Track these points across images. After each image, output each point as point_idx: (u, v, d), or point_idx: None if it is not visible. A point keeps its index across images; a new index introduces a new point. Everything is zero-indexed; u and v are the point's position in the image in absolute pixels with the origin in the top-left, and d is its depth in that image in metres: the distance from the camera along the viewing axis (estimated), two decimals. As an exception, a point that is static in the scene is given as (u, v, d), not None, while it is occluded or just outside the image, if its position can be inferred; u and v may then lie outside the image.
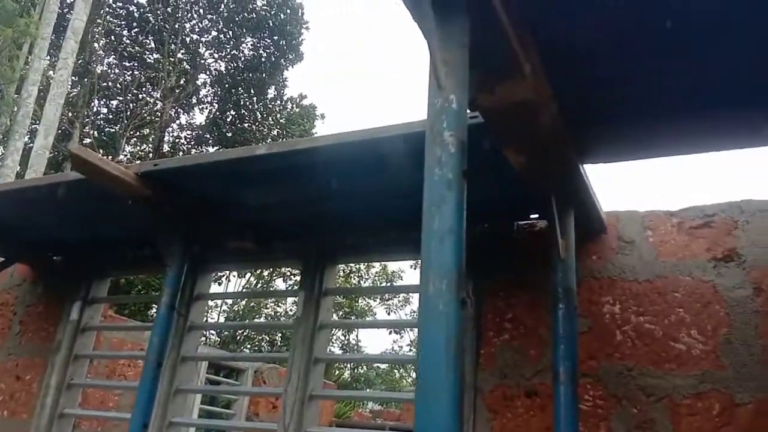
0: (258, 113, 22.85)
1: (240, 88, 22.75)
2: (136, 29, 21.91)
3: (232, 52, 23.01)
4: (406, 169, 2.98)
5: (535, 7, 1.94)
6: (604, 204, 3.23)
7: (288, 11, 22.11)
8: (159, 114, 22.08)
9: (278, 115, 23.09)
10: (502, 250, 3.46)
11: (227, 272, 20.01)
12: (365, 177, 3.17)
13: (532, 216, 3.42)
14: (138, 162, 4.97)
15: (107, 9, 21.41)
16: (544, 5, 1.96)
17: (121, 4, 21.70)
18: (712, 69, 2.21)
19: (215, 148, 22.00)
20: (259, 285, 22.45)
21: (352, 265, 22.90)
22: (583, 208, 2.95)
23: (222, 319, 22.99)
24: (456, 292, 1.43)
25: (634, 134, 2.56)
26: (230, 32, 22.63)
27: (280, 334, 22.80)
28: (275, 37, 22.31)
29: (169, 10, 21.86)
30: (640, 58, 2.19)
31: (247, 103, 22.76)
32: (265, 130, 22.72)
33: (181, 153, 21.88)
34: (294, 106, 23.45)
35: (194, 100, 23.22)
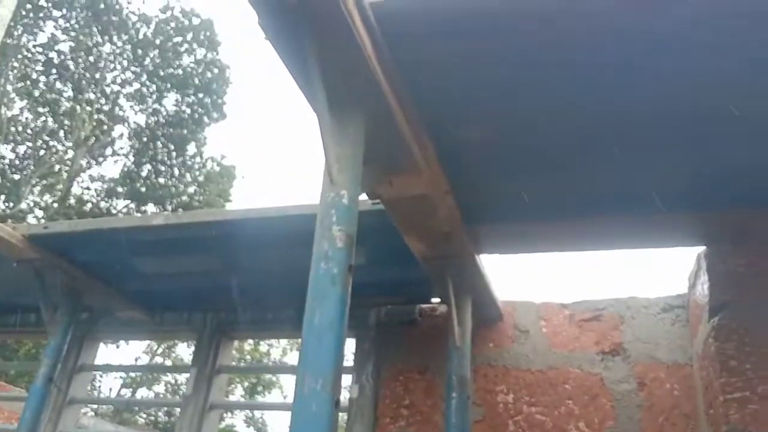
0: (176, 169, 22.33)
1: (159, 143, 22.25)
2: (55, 76, 21.21)
3: (153, 106, 22.60)
4: (308, 247, 2.96)
5: (431, 108, 2.01)
6: (504, 293, 3.31)
7: (216, 70, 22.12)
8: (69, 163, 21.17)
9: (197, 173, 22.66)
10: (404, 333, 3.45)
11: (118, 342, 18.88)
12: (266, 253, 3.11)
13: (434, 300, 3.45)
14: (31, 222, 4.68)
15: (25, 53, 20.69)
16: (440, 107, 2.03)
17: (41, 50, 21.04)
18: (598, 178, 2.36)
19: (127, 202, 21.20)
20: (160, 350, 21.28)
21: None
22: (481, 296, 3.00)
23: (118, 385, 21.53)
24: (331, 392, 1.39)
25: (527, 231, 2.66)
26: (154, 86, 22.30)
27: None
28: (200, 95, 22.16)
29: (91, 59, 21.37)
30: (533, 168, 2.31)
31: (165, 158, 22.24)
32: (182, 187, 22.18)
33: (89, 205, 20.92)
34: (214, 164, 23.12)
35: (109, 152, 22.47)
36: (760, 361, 2.37)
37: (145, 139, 22.09)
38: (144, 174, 22.02)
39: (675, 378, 2.93)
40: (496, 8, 1.69)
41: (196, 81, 21.98)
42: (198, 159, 22.47)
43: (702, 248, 2.68)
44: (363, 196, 2.24)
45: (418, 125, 2.02)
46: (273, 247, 3.00)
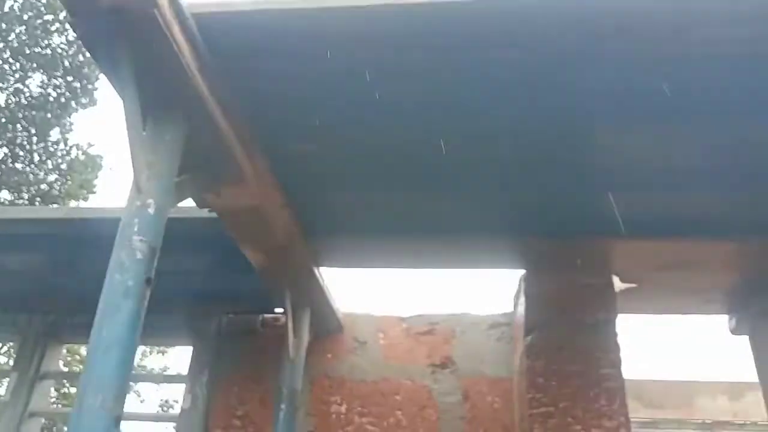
0: (36, 155, 20.64)
1: (18, 125, 20.48)
2: None
3: (15, 86, 20.80)
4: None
5: (264, 120, 2.02)
6: (347, 305, 3.38)
7: (87, 54, 20.75)
8: None
9: (59, 160, 21.07)
10: (245, 343, 3.41)
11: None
12: (102, 254, 2.96)
13: (278, 310, 3.44)
14: None
15: None
16: (274, 120, 2.05)
17: None
18: (432, 200, 2.46)
19: (-24, 186, 19.28)
20: None
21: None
22: (320, 308, 3.04)
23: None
24: (111, 410, 1.34)
25: (365, 246, 2.74)
26: (18, 64, 20.53)
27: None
28: (69, 78, 20.67)
29: (-56, 28, 19.31)
30: (370, 185, 2.38)
31: (25, 142, 20.49)
32: (42, 174, 20.53)
33: (-70, 187, 18.80)
34: (79, 153, 21.62)
35: (-41, 131, 20.38)
36: (564, 379, 2.59)
37: (3, 120, 20.27)
38: (-1, 157, 20.19)
39: (497, 391, 3.12)
40: (327, 29, 1.73)
41: (66, 63, 20.49)
42: (61, 146, 20.88)
43: (523, 271, 2.89)
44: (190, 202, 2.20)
45: (247, 136, 2.01)
46: (109, 249, 2.86)
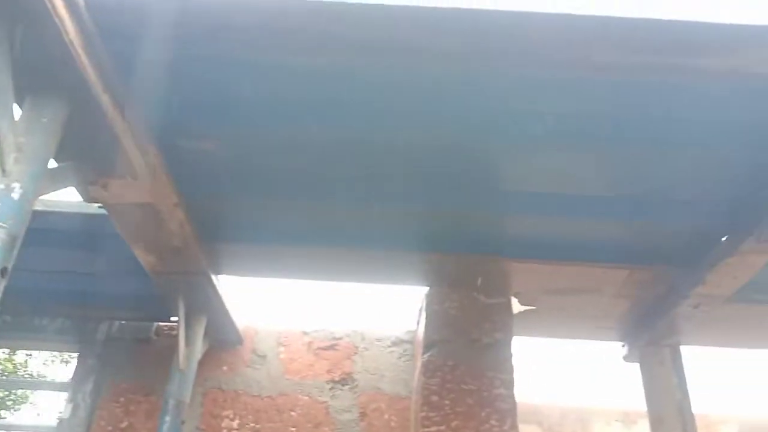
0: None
1: None
2: None
3: None
4: (83, 247, 2.68)
5: (160, 112, 1.93)
6: (251, 317, 3.27)
7: None
8: None
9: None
10: (136, 351, 3.24)
11: None
12: (31, 250, 2.74)
13: (173, 318, 3.28)
14: None
15: None
16: (171, 114, 1.95)
17: None
18: (336, 210, 2.42)
19: None
20: None
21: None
22: (217, 318, 2.92)
23: None
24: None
25: (266, 254, 2.66)
26: None
27: None
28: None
29: None
30: (275, 191, 2.31)
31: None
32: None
33: None
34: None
35: None
36: (457, 398, 2.58)
37: None
38: None
39: (394, 409, 3.09)
40: (232, 21, 1.67)
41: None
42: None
43: (427, 288, 2.89)
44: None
45: (141, 128, 1.91)
46: (38, 245, 2.65)
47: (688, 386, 2.89)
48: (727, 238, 2.30)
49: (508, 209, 2.37)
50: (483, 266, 2.69)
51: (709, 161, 2.07)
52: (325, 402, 3.08)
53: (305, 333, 3.31)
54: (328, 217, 2.47)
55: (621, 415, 6.40)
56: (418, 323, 3.11)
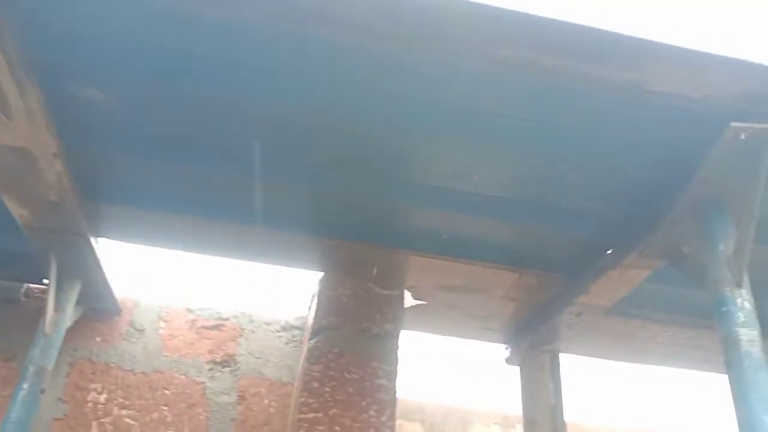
0: None
1: None
2: None
3: None
4: None
5: (42, 49, 1.76)
6: (133, 288, 3.09)
7: None
8: None
9: None
10: (1, 312, 2.98)
11: None
12: None
13: (45, 280, 3.05)
14: None
15: None
16: (54, 52, 1.79)
17: None
18: (228, 181, 2.30)
19: None
20: None
21: None
22: (93, 285, 2.73)
23: None
24: None
25: (152, 221, 2.50)
26: None
27: None
28: None
29: None
30: (164, 153, 2.17)
31: None
32: None
33: None
34: None
35: None
36: (339, 386, 2.54)
37: None
38: None
39: (275, 395, 3.01)
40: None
41: None
42: None
43: (321, 274, 2.83)
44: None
45: (21, 66, 1.73)
46: None
47: (563, 393, 3.00)
48: (612, 251, 2.40)
49: (409, 201, 2.35)
50: (380, 256, 2.66)
51: (604, 174, 2.13)
52: (202, 383, 2.96)
53: (190, 310, 3.17)
54: (221, 188, 2.35)
55: (501, 418, 6.62)
56: (309, 309, 3.05)
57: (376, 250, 2.64)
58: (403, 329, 2.74)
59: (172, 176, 2.29)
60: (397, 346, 2.68)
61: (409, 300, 2.87)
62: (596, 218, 2.35)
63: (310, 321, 2.86)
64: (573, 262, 2.56)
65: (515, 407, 6.67)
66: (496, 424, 6.58)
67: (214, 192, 2.36)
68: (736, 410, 1.64)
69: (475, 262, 2.59)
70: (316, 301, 2.76)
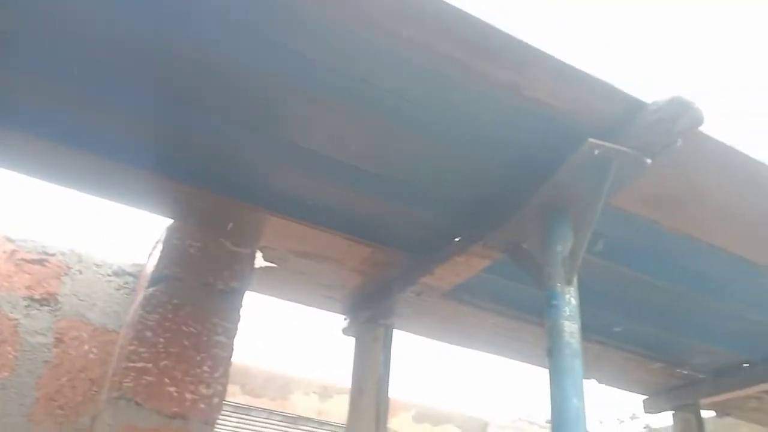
0: None
1: None
2: None
3: None
4: None
5: None
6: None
7: None
8: None
9: None
10: None
11: None
12: None
13: None
14: None
15: None
16: None
17: None
18: (90, 105, 2.11)
19: None
20: None
21: None
22: None
23: None
24: None
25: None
26: None
27: None
28: None
29: None
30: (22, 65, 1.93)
31: None
32: None
33: None
34: None
35: None
36: (174, 338, 2.44)
37: None
38: None
39: (97, 342, 2.82)
40: None
41: None
42: None
43: (171, 221, 2.69)
44: None
45: None
46: None
47: (391, 367, 3.15)
48: (459, 239, 2.55)
49: (277, 160, 2.32)
50: (237, 212, 2.60)
51: (467, 165, 2.26)
52: (15, 319, 2.69)
53: (10, 240, 2.85)
54: (75, 113, 2.14)
55: (320, 388, 6.78)
56: (150, 256, 2.88)
57: (234, 205, 2.56)
58: (252, 290, 2.69)
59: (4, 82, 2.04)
60: (241, 305, 2.63)
61: (260, 261, 2.82)
62: (452, 205, 2.49)
63: (150, 269, 2.71)
64: (423, 244, 2.69)
65: (336, 379, 6.89)
66: (315, 393, 6.75)
67: (55, 110, 2.13)
68: (551, 393, 1.84)
69: (333, 232, 2.62)
70: (160, 248, 2.62)
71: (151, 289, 2.49)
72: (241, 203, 2.54)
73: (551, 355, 1.89)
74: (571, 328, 1.88)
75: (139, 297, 2.63)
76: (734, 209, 2.14)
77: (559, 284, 1.98)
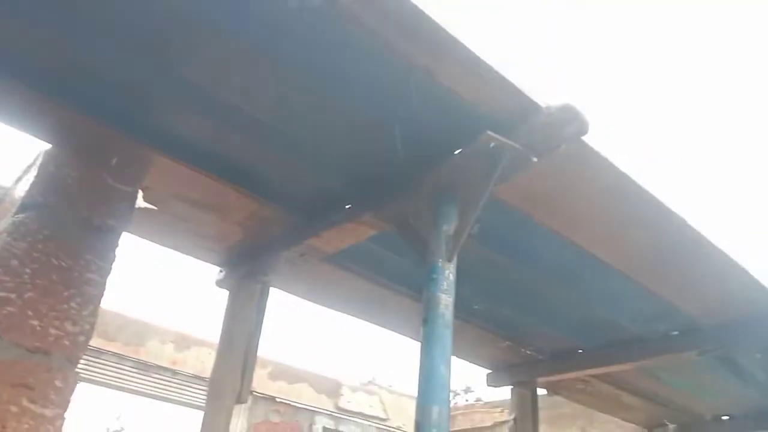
0: None
1: None
2: None
3: None
4: None
5: None
6: None
7: None
8: None
9: None
10: None
11: None
12: None
13: None
14: None
15: None
16: None
17: None
18: None
19: None
20: None
21: None
22: None
23: None
24: None
25: None
26: None
27: None
28: None
29: None
30: None
31: None
32: None
33: None
34: None
35: None
36: (42, 270, 2.31)
37: None
38: None
39: (-53, 265, 2.59)
40: None
41: None
42: None
43: (49, 146, 2.52)
44: None
45: None
46: None
47: (264, 324, 3.19)
48: (351, 206, 2.64)
49: (174, 95, 2.24)
50: (122, 146, 2.48)
51: (370, 135, 2.33)
52: None
53: None
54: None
55: (177, 337, 6.66)
56: (19, 180, 2.68)
57: (119, 138, 2.45)
58: (128, 231, 2.60)
59: None
60: (117, 245, 2.53)
61: (140, 201, 2.72)
62: (347, 173, 2.56)
63: (20, 193, 2.53)
64: (312, 206, 2.74)
65: (195, 330, 6.78)
66: (172, 342, 6.61)
67: None
68: (420, 359, 1.99)
69: (222, 181, 2.59)
70: (34, 174, 2.45)
71: (20, 216, 2.34)
72: (129, 138, 2.44)
73: (426, 324, 2.03)
74: (446, 301, 2.04)
75: (7, 222, 2.45)
76: (598, 214, 2.41)
77: (440, 260, 2.13)
